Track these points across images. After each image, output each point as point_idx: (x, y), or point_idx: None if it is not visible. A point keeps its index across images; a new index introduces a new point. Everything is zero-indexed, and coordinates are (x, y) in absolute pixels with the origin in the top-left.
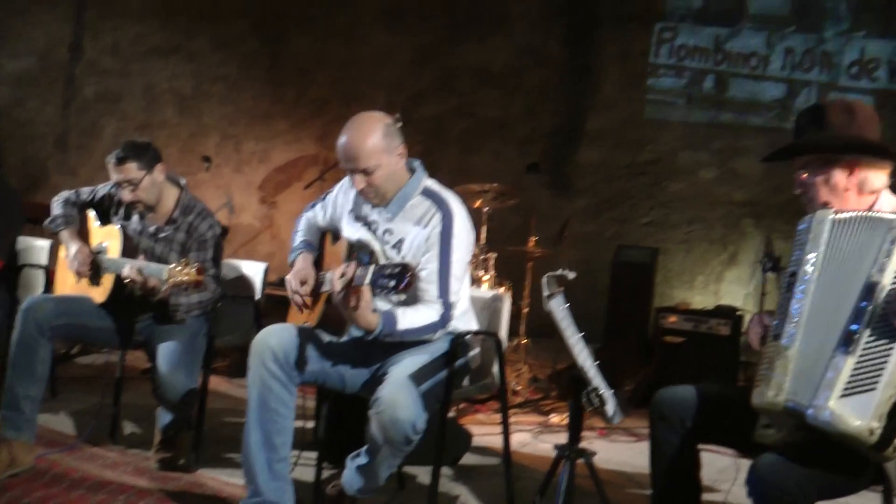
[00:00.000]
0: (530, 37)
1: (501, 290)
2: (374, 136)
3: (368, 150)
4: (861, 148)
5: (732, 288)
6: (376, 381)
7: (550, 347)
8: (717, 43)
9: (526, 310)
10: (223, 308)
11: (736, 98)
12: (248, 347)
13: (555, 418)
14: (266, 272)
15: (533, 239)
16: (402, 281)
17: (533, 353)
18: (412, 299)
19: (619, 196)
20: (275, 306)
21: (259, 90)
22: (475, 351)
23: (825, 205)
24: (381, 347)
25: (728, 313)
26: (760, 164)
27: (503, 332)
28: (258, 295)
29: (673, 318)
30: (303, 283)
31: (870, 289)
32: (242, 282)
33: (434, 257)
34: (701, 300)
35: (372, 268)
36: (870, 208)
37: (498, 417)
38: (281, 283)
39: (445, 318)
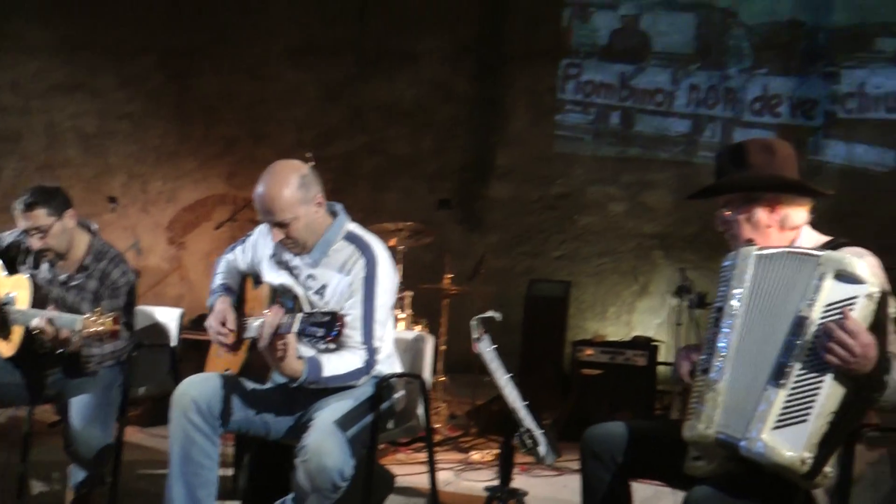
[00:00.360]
0: (438, 73)
1: (419, 328)
2: (289, 187)
3: (284, 203)
4: (782, 186)
5: (644, 318)
6: (301, 427)
7: (468, 384)
8: (622, 79)
9: (443, 347)
10: (138, 357)
11: (643, 133)
12: (165, 396)
13: (475, 455)
14: (181, 318)
15: (448, 276)
16: (331, 330)
17: (450, 390)
18: (336, 345)
19: (531, 230)
20: (190, 351)
21: (165, 128)
22: (400, 393)
23: (749, 241)
24: (305, 393)
25: (644, 344)
26: (669, 196)
27: (427, 374)
28: (174, 342)
29: (590, 351)
30: (223, 324)
31: (799, 323)
32: (157, 328)
33: (358, 303)
34: (614, 331)
35: (300, 316)
36: (791, 243)
37: (419, 456)
38: (194, 325)
39: (370, 363)
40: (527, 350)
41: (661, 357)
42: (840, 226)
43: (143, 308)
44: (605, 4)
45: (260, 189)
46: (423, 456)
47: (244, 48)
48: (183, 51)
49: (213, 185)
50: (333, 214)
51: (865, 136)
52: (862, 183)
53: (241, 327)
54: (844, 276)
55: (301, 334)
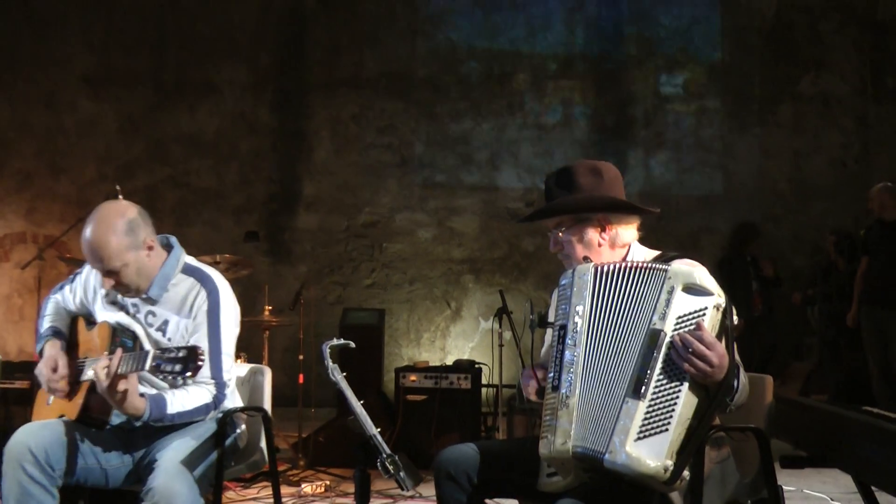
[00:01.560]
0: (241, 103)
1: (240, 361)
2: (115, 234)
3: (112, 251)
4: (612, 206)
5: (458, 342)
6: (143, 469)
7: (290, 416)
8: (424, 107)
9: None
10: None
11: (447, 160)
12: None
13: (307, 488)
14: (0, 365)
15: (268, 308)
16: (189, 365)
17: (275, 423)
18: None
19: (340, 260)
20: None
21: None
22: (241, 428)
23: (586, 259)
24: (144, 432)
25: (467, 368)
26: (476, 221)
27: (268, 406)
28: None
29: (413, 377)
30: (54, 370)
31: (654, 336)
32: None
33: (203, 336)
34: (429, 356)
35: (152, 353)
36: (623, 259)
37: (249, 492)
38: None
39: (219, 398)
40: (346, 379)
41: (485, 380)
42: (644, 243)
43: None
44: (405, 32)
45: (86, 234)
46: (253, 492)
47: (38, 76)
48: None
49: (10, 223)
50: (168, 248)
51: (661, 161)
52: (660, 203)
53: (76, 370)
54: (693, 289)
55: (156, 370)
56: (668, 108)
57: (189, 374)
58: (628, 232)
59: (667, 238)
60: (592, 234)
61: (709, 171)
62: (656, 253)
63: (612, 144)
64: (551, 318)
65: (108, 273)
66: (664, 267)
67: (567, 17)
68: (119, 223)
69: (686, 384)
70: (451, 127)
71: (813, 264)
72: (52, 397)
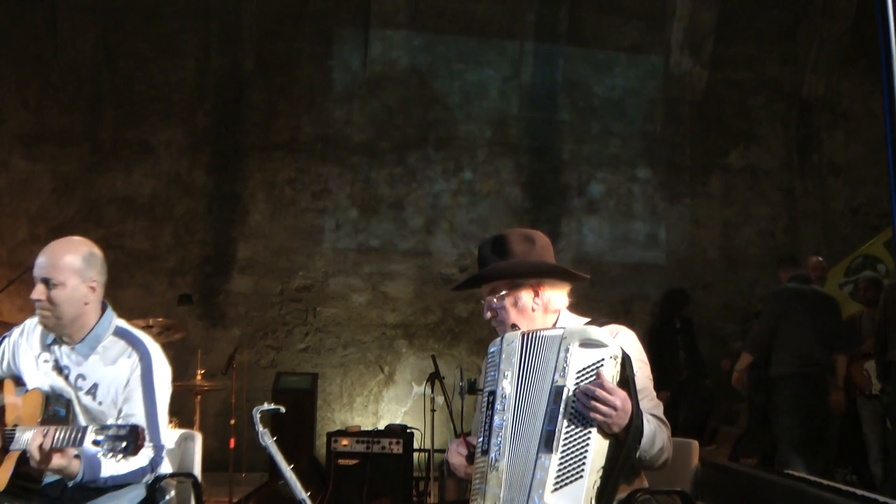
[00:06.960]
0: (177, 165)
1: (171, 426)
2: (73, 254)
3: (61, 263)
4: (547, 271)
5: (391, 407)
6: None
7: (220, 481)
8: (360, 172)
9: None
10: None
11: (382, 225)
12: None
13: None
14: None
15: (200, 372)
16: (132, 444)
17: (204, 488)
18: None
19: (274, 323)
20: None
21: None
22: (171, 495)
23: (514, 326)
24: (73, 494)
25: (399, 432)
26: (409, 286)
27: (198, 472)
28: None
29: (345, 442)
30: None
31: (557, 392)
32: None
33: (139, 402)
34: (362, 421)
35: (92, 428)
36: (554, 324)
37: None
38: None
39: (155, 462)
40: (278, 444)
41: (417, 444)
42: (576, 309)
43: None
44: (342, 97)
45: (47, 246)
46: None
47: None
48: None
49: None
50: (101, 310)
51: (593, 228)
52: (592, 270)
53: (6, 438)
54: (588, 343)
55: (97, 445)
56: (601, 176)
57: (131, 451)
58: (560, 297)
59: (599, 305)
60: (527, 298)
61: (641, 240)
62: (586, 320)
63: (545, 212)
64: (482, 385)
65: (44, 281)
66: (559, 331)
67: (502, 86)
68: (82, 249)
69: (594, 431)
70: (386, 192)
71: (741, 332)
72: None
